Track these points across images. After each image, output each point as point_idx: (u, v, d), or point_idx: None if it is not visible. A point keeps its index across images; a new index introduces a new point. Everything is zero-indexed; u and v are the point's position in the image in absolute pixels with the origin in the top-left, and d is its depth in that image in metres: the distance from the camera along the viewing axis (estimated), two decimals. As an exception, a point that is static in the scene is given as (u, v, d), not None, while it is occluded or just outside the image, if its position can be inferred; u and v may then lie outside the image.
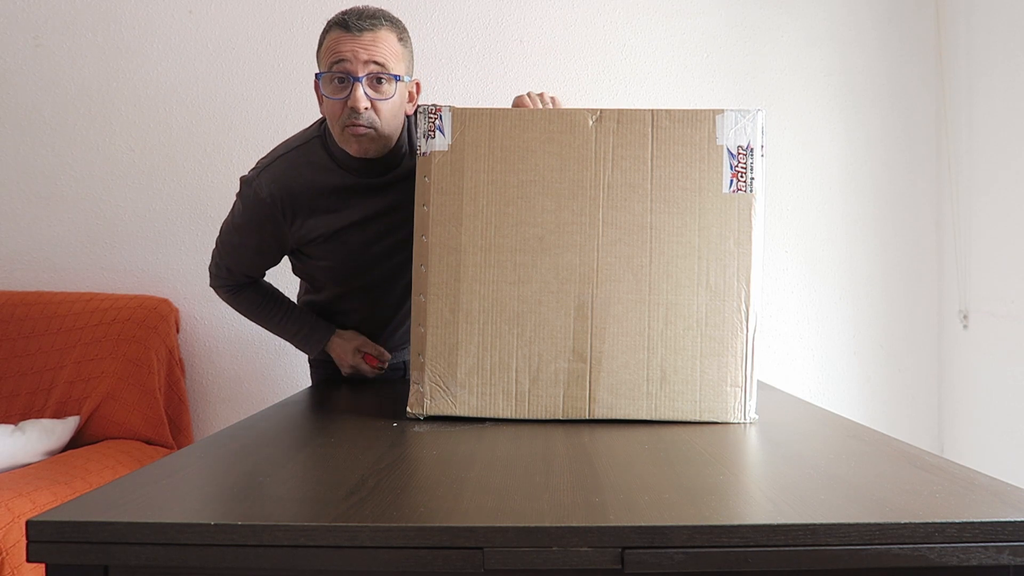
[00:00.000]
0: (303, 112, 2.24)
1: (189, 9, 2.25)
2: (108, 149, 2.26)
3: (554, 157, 1.15)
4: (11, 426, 1.84)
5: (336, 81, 1.30)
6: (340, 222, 1.43)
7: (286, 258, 1.59)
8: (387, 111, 1.33)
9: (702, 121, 1.14)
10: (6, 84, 2.25)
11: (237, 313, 1.69)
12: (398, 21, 1.36)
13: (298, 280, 1.71)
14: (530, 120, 1.16)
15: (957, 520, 0.68)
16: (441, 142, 1.17)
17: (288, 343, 1.68)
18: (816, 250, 2.27)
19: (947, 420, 2.24)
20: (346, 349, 1.58)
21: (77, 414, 1.99)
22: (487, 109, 1.18)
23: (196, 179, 2.26)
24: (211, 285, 1.63)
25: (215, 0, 2.25)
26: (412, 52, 1.39)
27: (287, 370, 2.25)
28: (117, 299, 2.14)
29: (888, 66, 2.26)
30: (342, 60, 1.29)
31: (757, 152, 1.14)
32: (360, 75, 1.29)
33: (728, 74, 2.27)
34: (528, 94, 1.35)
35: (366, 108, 1.30)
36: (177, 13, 2.25)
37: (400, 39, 1.34)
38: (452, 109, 1.17)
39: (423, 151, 1.17)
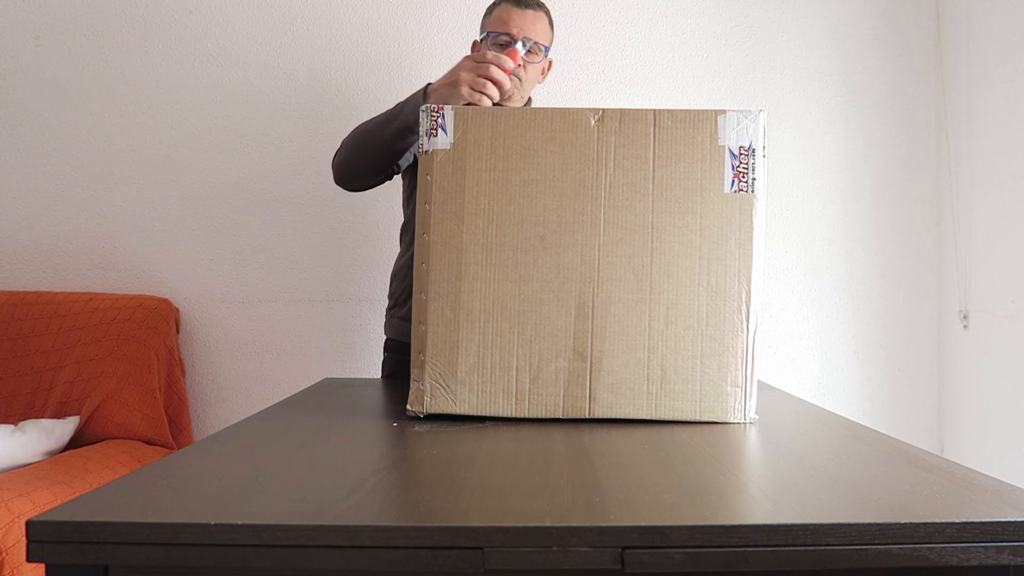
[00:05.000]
0: (303, 112, 2.24)
1: (189, 9, 2.25)
2: (108, 149, 2.25)
3: (556, 156, 1.15)
4: (11, 426, 1.84)
5: (500, 43, 1.63)
6: None
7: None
8: (531, 71, 1.67)
9: (704, 121, 1.14)
10: (6, 84, 2.25)
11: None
12: (548, 9, 1.71)
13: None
14: (532, 119, 1.16)
15: (957, 520, 0.67)
16: (443, 140, 1.17)
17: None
18: (816, 250, 2.27)
19: (947, 420, 2.24)
20: (458, 67, 1.45)
21: (77, 414, 1.99)
22: (489, 108, 1.18)
23: (196, 179, 2.26)
24: (334, 161, 1.67)
25: (215, 0, 2.25)
26: (554, 34, 1.74)
27: (287, 370, 2.25)
28: (117, 299, 2.14)
29: (888, 66, 2.26)
30: (508, 26, 1.63)
31: (759, 152, 1.14)
32: (519, 39, 1.62)
33: (728, 74, 2.26)
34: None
35: (519, 65, 1.58)
36: (177, 13, 2.25)
37: (549, 23, 1.70)
38: (454, 108, 1.17)
39: (425, 149, 1.17)
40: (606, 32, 2.26)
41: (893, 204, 2.27)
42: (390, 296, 1.80)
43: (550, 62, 1.77)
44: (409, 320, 1.69)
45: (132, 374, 2.04)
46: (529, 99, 1.78)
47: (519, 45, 1.60)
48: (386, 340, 1.80)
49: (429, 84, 1.49)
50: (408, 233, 1.76)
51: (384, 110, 1.59)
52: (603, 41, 2.26)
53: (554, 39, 1.75)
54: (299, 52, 2.25)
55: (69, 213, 2.26)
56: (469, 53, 1.72)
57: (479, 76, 1.39)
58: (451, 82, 1.42)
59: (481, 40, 1.71)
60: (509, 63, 1.41)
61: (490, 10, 1.70)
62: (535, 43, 1.65)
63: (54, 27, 2.25)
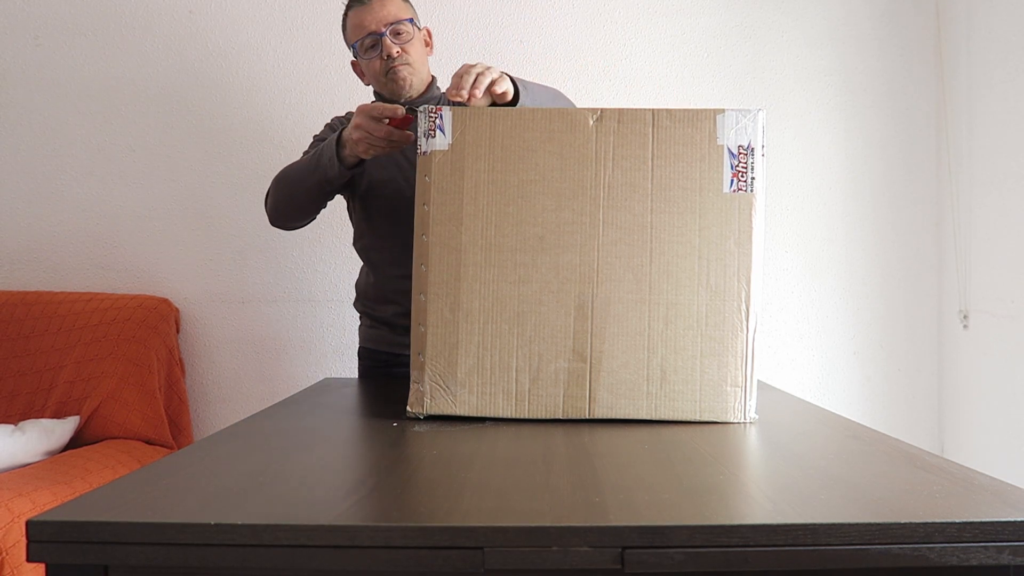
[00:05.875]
0: (303, 112, 2.24)
1: (189, 9, 2.25)
2: (108, 149, 2.25)
3: (554, 156, 1.15)
4: (11, 426, 1.84)
5: (368, 47, 1.58)
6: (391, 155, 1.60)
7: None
8: (413, 50, 1.60)
9: (703, 121, 1.14)
10: (6, 84, 2.25)
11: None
12: None
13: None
14: (530, 119, 1.16)
15: (957, 520, 0.67)
16: (441, 141, 1.17)
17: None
18: (816, 250, 2.27)
19: (947, 420, 2.24)
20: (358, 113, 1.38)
21: (77, 414, 1.99)
22: (487, 109, 1.18)
23: (196, 179, 2.26)
24: (266, 203, 1.65)
25: (215, 0, 2.25)
26: (412, 5, 1.65)
27: (287, 370, 2.25)
28: (117, 299, 2.14)
29: (888, 66, 2.26)
30: (365, 28, 1.57)
31: (758, 152, 1.14)
32: (383, 31, 1.56)
33: (728, 74, 2.26)
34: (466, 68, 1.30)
35: (398, 52, 1.57)
36: (177, 13, 2.25)
37: None
38: (452, 109, 1.17)
39: (423, 150, 1.17)
40: (606, 32, 2.26)
41: (893, 204, 2.27)
42: (356, 307, 1.77)
43: (428, 31, 1.69)
44: (374, 327, 1.69)
45: (132, 374, 2.04)
46: (433, 78, 1.69)
47: (385, 35, 1.54)
48: (359, 347, 1.77)
49: (344, 130, 1.42)
50: (361, 248, 1.71)
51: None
52: (603, 41, 2.26)
53: (414, 7, 1.65)
54: (299, 52, 2.25)
55: (69, 213, 2.26)
56: (356, 75, 1.69)
57: (372, 136, 1.34)
58: (352, 140, 1.38)
59: (354, 55, 1.64)
60: (400, 111, 1.32)
61: (344, 24, 1.63)
62: (397, 23, 1.56)
63: (54, 27, 2.25)
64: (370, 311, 1.71)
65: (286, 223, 1.66)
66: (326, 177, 1.47)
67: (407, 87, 1.59)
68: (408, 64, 1.58)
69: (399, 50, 1.57)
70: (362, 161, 1.45)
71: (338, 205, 1.72)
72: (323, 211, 1.69)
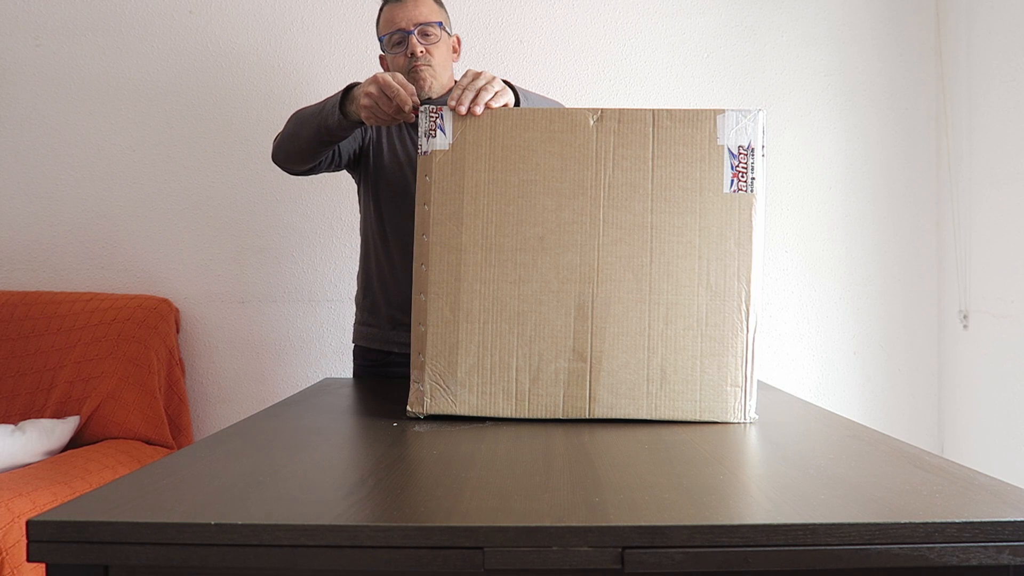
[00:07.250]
0: (303, 112, 2.24)
1: (189, 9, 2.25)
2: (108, 149, 2.25)
3: (555, 157, 1.15)
4: (11, 426, 1.84)
5: (395, 42, 1.61)
6: (402, 145, 1.68)
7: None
8: (438, 53, 1.63)
9: (703, 121, 1.14)
10: (6, 84, 2.25)
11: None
12: None
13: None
14: (531, 120, 1.16)
15: (957, 520, 0.68)
16: (442, 141, 1.17)
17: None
18: (816, 250, 2.27)
19: (947, 420, 2.24)
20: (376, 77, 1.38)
21: (77, 414, 1.99)
22: (487, 109, 1.18)
23: (196, 179, 2.26)
24: (275, 140, 1.67)
25: (215, 0, 2.25)
26: (447, 11, 1.69)
27: (287, 370, 2.25)
28: (117, 299, 2.14)
29: (888, 66, 2.26)
30: (395, 24, 1.60)
31: (758, 152, 1.14)
32: (411, 30, 1.59)
33: (728, 74, 2.26)
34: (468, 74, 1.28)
35: (422, 51, 1.59)
36: (177, 13, 2.25)
37: (435, 1, 1.66)
38: (452, 109, 1.17)
39: (424, 150, 1.17)
40: (606, 32, 2.26)
41: (893, 204, 2.27)
42: (355, 301, 1.78)
43: (457, 38, 1.73)
44: (366, 325, 1.70)
45: (132, 374, 2.04)
46: (456, 83, 1.70)
47: (413, 34, 1.57)
48: (353, 346, 1.77)
49: (356, 84, 1.42)
50: (362, 235, 1.74)
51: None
52: (603, 41, 2.26)
53: (448, 14, 1.69)
54: (299, 52, 2.25)
55: (69, 213, 2.26)
56: (382, 69, 1.71)
57: (379, 107, 1.33)
58: (359, 103, 1.37)
59: (382, 49, 1.66)
60: (407, 105, 1.32)
61: (378, 18, 1.67)
62: (427, 24, 1.59)
63: (54, 27, 2.25)
64: (360, 301, 1.73)
65: (284, 162, 1.65)
66: (325, 124, 1.47)
67: (426, 88, 1.61)
68: (430, 66, 1.60)
69: (423, 50, 1.59)
70: (362, 122, 1.43)
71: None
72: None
